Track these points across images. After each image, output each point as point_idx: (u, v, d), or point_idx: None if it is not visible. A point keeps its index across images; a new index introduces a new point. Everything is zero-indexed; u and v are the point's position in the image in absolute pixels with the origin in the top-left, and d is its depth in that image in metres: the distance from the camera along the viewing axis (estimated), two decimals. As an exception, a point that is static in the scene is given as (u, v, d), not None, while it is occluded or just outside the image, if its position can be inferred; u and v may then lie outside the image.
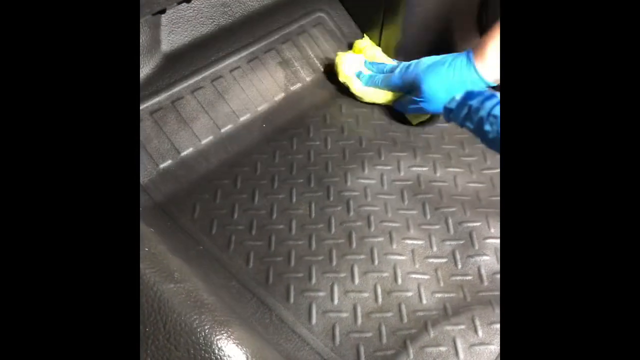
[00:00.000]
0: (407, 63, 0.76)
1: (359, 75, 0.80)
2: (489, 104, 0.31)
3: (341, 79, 0.81)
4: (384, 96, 0.79)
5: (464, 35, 0.90)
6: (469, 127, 0.35)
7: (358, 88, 0.80)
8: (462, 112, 0.34)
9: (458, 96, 0.34)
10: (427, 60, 0.73)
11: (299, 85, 0.82)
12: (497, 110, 0.31)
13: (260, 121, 0.77)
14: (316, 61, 0.85)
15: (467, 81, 0.68)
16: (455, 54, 0.73)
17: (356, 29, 0.89)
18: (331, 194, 0.69)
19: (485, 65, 0.68)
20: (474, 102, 0.33)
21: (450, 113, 0.34)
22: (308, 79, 0.83)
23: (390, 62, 0.82)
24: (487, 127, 0.32)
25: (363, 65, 0.81)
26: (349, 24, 0.89)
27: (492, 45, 0.67)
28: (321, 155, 0.74)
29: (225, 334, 0.39)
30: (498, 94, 0.32)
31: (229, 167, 0.72)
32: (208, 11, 0.79)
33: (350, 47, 0.87)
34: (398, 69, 0.76)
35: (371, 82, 0.79)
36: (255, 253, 0.62)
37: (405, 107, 0.76)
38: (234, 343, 0.39)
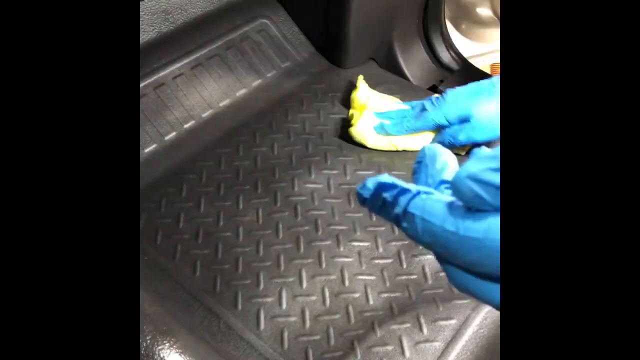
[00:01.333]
0: (432, 98, 0.72)
1: (379, 128, 0.74)
2: (403, 200, 0.28)
3: (357, 138, 0.75)
4: (396, 141, 0.75)
5: (406, 39, 0.92)
6: (386, 218, 0.31)
7: (374, 142, 0.75)
8: (377, 203, 0.31)
9: (370, 183, 0.31)
10: (463, 90, 0.71)
11: (244, 91, 0.82)
12: (412, 207, 0.28)
13: (205, 128, 0.77)
14: (261, 67, 0.85)
15: None
16: (487, 80, 0.71)
17: (299, 34, 0.90)
18: (278, 200, 0.69)
19: None
20: (387, 196, 0.29)
21: (364, 201, 0.31)
22: (253, 84, 0.83)
23: (395, 103, 0.77)
24: (405, 225, 0.29)
25: (375, 117, 0.75)
26: (292, 29, 0.90)
27: None
28: (268, 161, 0.74)
29: (167, 344, 0.39)
30: (413, 187, 0.29)
31: (174, 175, 0.71)
32: (149, 18, 0.78)
33: (291, 56, 0.88)
34: (431, 107, 0.72)
35: (401, 129, 0.73)
36: (202, 261, 0.62)
37: (454, 140, 0.71)
38: (177, 352, 0.39)
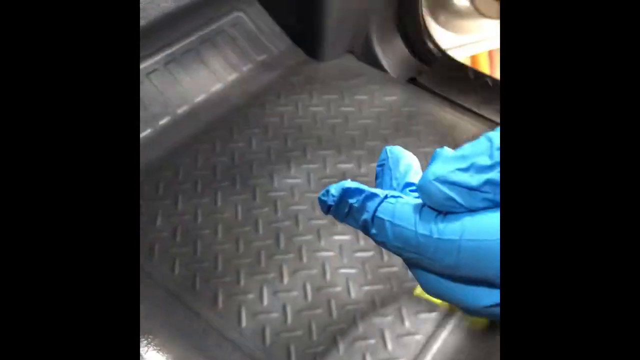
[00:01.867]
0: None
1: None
2: (371, 205, 0.27)
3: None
4: None
5: (383, 31, 0.92)
6: (353, 226, 0.30)
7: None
8: (343, 210, 0.29)
9: (334, 190, 0.29)
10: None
11: (219, 85, 0.81)
12: (381, 212, 0.27)
13: (181, 124, 0.76)
14: (236, 61, 0.84)
15: None
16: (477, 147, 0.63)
17: (275, 27, 0.89)
18: (257, 196, 0.68)
19: None
20: (354, 202, 0.28)
21: (328, 209, 0.30)
22: (229, 78, 0.82)
23: None
24: (374, 231, 0.27)
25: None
26: (267, 22, 0.89)
27: None
28: (246, 157, 0.73)
29: (145, 341, 0.38)
30: (379, 192, 0.28)
31: (150, 173, 0.70)
32: (120, 12, 0.76)
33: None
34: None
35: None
36: (181, 260, 0.61)
37: None
38: (155, 349, 0.38)
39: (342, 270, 0.61)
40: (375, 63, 0.91)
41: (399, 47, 0.94)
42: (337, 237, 0.64)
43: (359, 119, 0.80)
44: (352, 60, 0.90)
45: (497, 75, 1.94)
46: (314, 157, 0.73)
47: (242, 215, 0.66)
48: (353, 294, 0.59)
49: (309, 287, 0.59)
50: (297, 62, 0.88)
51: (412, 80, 0.90)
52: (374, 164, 0.73)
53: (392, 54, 0.93)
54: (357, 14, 0.87)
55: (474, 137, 0.70)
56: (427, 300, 0.54)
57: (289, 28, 0.90)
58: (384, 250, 0.63)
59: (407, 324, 0.55)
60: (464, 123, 0.79)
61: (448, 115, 0.80)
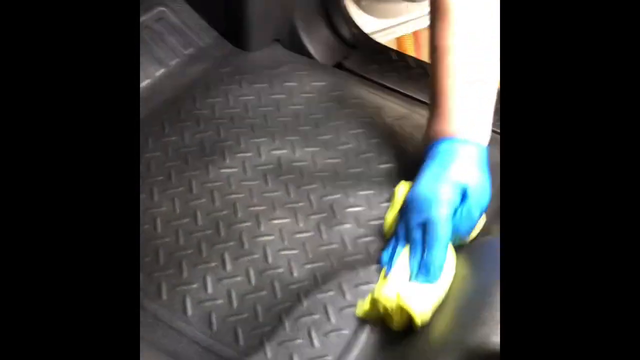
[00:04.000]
0: (419, 220, 0.57)
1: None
2: None
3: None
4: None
5: (308, 18, 0.94)
6: None
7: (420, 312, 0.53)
8: None
9: None
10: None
11: (147, 81, 0.80)
12: None
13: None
14: (163, 55, 0.83)
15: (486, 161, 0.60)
16: (445, 157, 0.60)
17: (200, 20, 0.89)
18: (194, 187, 0.69)
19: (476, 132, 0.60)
20: None
21: None
22: (157, 74, 0.81)
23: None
24: None
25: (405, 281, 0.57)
26: (192, 15, 0.88)
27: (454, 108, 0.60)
28: (179, 150, 0.73)
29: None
30: None
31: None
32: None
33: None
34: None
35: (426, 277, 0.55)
36: (121, 257, 0.61)
37: (464, 235, 0.60)
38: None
39: (284, 252, 0.63)
40: (302, 50, 0.93)
41: (324, 34, 0.96)
42: (276, 222, 0.66)
43: (289, 105, 0.81)
44: (279, 48, 0.92)
45: (422, 55, 1.99)
46: (247, 145, 0.74)
47: (180, 208, 0.66)
48: (295, 273, 0.61)
49: (252, 272, 0.61)
50: (224, 53, 0.88)
51: (339, 65, 0.93)
52: (308, 148, 0.76)
53: (317, 40, 0.95)
54: (281, 3, 0.89)
55: (401, 116, 0.73)
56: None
57: (214, 20, 0.90)
58: (322, 229, 0.65)
59: (348, 296, 0.58)
60: (390, 103, 0.82)
61: (375, 97, 0.83)
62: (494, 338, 0.44)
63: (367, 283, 0.59)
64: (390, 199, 0.68)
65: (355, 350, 0.53)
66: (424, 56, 1.94)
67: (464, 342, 0.45)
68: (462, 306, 0.50)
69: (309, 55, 0.93)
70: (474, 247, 0.61)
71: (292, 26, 0.93)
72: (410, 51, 1.82)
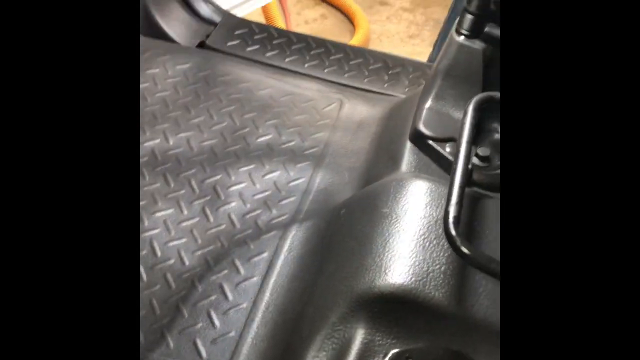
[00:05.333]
0: None
1: None
2: None
3: None
4: None
5: (164, 8, 0.90)
6: None
7: None
8: None
9: None
10: None
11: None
12: None
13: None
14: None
15: None
16: None
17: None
18: None
19: None
20: None
21: None
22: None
23: None
24: None
25: None
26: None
27: None
28: None
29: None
30: None
31: None
32: None
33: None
34: None
35: None
36: None
37: None
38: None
39: (172, 243, 0.62)
40: (161, 35, 0.90)
41: (181, 15, 0.93)
42: (159, 214, 0.65)
43: (155, 93, 0.79)
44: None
45: (290, 22, 1.99)
46: None
47: None
48: (187, 262, 0.60)
49: (142, 268, 0.59)
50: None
51: (202, 45, 0.91)
52: (182, 134, 0.74)
53: (175, 22, 0.92)
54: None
55: (269, 86, 0.73)
56: None
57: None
58: (208, 213, 0.65)
59: (242, 271, 0.59)
60: (258, 76, 0.82)
61: (242, 72, 0.83)
62: (378, 282, 0.47)
63: (260, 254, 0.60)
64: (272, 171, 0.69)
65: (256, 321, 0.55)
66: (292, 22, 1.95)
67: (353, 290, 0.48)
68: (346, 257, 0.53)
69: (169, 39, 0.90)
70: (355, 199, 0.63)
71: (147, 11, 0.89)
72: (277, 19, 1.82)
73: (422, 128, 0.61)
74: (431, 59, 1.15)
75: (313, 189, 0.68)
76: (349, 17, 2.00)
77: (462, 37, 0.60)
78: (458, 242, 0.40)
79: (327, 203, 0.66)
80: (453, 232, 0.41)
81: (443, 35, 1.15)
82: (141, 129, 0.73)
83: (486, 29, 0.59)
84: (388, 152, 0.66)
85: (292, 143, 0.74)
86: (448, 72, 0.62)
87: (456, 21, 0.61)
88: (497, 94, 0.51)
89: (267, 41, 0.89)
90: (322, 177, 0.69)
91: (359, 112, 0.78)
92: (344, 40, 1.92)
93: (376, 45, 1.93)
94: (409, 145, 0.62)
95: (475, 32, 0.60)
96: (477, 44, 0.60)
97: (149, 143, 0.72)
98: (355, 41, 1.88)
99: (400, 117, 0.71)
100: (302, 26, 1.98)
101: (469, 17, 0.59)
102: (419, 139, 0.61)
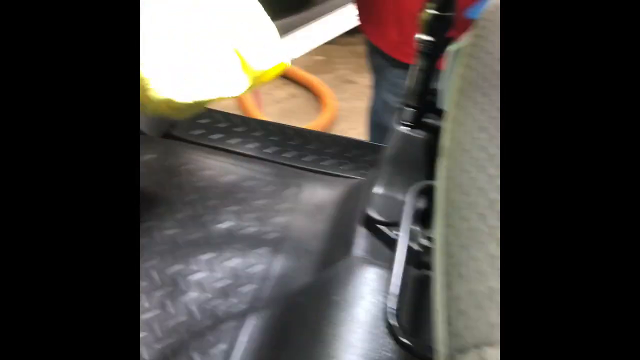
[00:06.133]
0: None
1: None
2: None
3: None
4: None
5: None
6: None
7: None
8: None
9: None
10: None
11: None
12: None
13: None
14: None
15: None
16: None
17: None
18: None
19: None
20: None
21: None
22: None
23: None
24: None
25: None
26: None
27: None
28: None
29: None
30: None
31: None
32: None
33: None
34: None
35: None
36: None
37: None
38: None
39: None
40: (127, 126, 0.93)
41: (147, 107, 0.97)
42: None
43: None
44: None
45: (262, 110, 2.06)
46: None
47: None
48: (146, 356, 0.60)
49: None
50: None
51: (167, 135, 0.94)
52: (143, 224, 0.75)
53: (142, 113, 0.96)
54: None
55: (228, 172, 0.76)
56: None
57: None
58: (169, 303, 0.66)
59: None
60: (220, 163, 0.85)
61: (205, 160, 0.86)
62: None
63: (216, 344, 0.60)
64: (232, 258, 0.70)
65: None
66: (263, 101, 2.01)
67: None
68: (300, 347, 0.54)
69: (135, 130, 0.93)
70: (309, 286, 0.65)
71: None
72: (248, 99, 1.88)
73: (372, 212, 0.63)
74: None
75: (272, 274, 0.69)
76: (317, 96, 2.09)
77: (405, 128, 0.65)
78: (398, 332, 0.42)
79: (286, 289, 0.67)
80: (392, 322, 0.43)
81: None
82: (104, 221, 0.75)
83: (426, 120, 0.64)
84: (342, 236, 0.69)
85: (252, 229, 0.76)
86: (395, 159, 0.66)
87: (399, 113, 0.66)
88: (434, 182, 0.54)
89: (231, 129, 0.93)
90: (282, 263, 0.71)
91: (317, 195, 0.81)
92: (313, 117, 1.99)
93: (345, 121, 2.00)
94: (360, 229, 0.65)
95: (416, 122, 0.64)
96: (419, 133, 0.65)
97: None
98: (323, 119, 1.95)
99: (354, 200, 0.74)
100: (272, 105, 2.06)
101: (409, 110, 0.64)
102: (369, 223, 0.64)
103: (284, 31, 1.44)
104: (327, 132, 1.93)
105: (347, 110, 2.04)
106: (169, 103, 0.52)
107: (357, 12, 1.08)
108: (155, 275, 0.69)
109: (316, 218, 0.77)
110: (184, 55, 0.53)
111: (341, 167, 0.86)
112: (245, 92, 0.62)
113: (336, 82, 2.17)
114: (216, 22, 0.56)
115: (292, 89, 2.13)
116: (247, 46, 0.58)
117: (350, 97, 2.10)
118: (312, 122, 1.90)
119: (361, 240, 0.64)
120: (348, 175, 0.85)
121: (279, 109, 2.04)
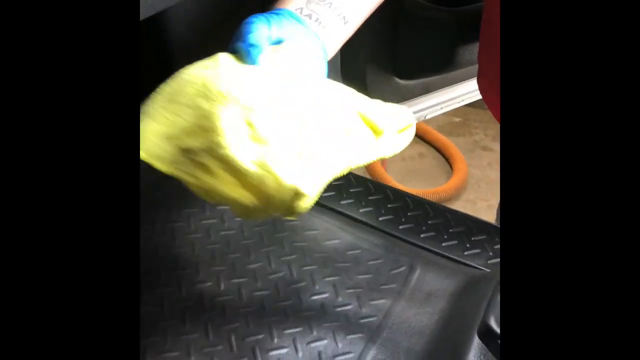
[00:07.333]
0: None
1: None
2: None
3: None
4: None
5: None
6: None
7: None
8: None
9: None
10: None
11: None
12: None
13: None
14: None
15: None
16: None
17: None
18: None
19: None
20: None
21: None
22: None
23: None
24: None
25: None
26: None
27: None
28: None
29: None
30: None
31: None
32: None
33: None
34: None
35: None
36: None
37: None
38: None
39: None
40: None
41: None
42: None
43: (221, 230, 0.77)
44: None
45: (388, 172, 1.98)
46: (169, 279, 0.69)
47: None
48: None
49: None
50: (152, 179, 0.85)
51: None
52: (235, 280, 0.70)
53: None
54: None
55: (344, 242, 0.68)
56: None
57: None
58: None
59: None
60: (327, 225, 0.78)
61: (313, 219, 0.79)
62: None
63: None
64: (319, 339, 0.62)
65: None
66: (389, 158, 1.93)
67: None
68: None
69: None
70: None
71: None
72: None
73: (493, 324, 0.51)
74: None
75: (361, 369, 0.59)
76: (447, 159, 1.96)
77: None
78: None
79: (373, 391, 0.56)
80: None
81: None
82: (196, 269, 0.71)
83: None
84: (453, 342, 0.57)
85: (349, 307, 0.66)
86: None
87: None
88: None
89: (343, 187, 0.85)
90: (374, 355, 0.60)
91: (429, 281, 0.70)
92: (439, 181, 1.87)
93: (475, 191, 1.85)
94: (476, 340, 0.52)
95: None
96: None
97: (200, 286, 0.69)
98: (451, 184, 1.82)
99: (474, 298, 0.62)
100: (397, 162, 1.97)
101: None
102: (488, 336, 0.51)
103: (424, 91, 1.37)
104: (453, 198, 1.80)
105: (478, 178, 1.88)
106: (296, 191, 0.40)
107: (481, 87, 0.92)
108: (234, 340, 0.62)
109: (424, 309, 0.65)
110: (306, 134, 0.45)
111: (465, 253, 0.74)
112: (377, 160, 0.52)
113: (471, 146, 2.03)
114: (331, 100, 0.48)
115: (421, 148, 2.02)
116: (371, 108, 0.50)
117: (485, 165, 1.94)
118: (438, 187, 1.78)
119: (474, 355, 0.52)
120: (471, 264, 0.72)
121: (404, 167, 1.94)
